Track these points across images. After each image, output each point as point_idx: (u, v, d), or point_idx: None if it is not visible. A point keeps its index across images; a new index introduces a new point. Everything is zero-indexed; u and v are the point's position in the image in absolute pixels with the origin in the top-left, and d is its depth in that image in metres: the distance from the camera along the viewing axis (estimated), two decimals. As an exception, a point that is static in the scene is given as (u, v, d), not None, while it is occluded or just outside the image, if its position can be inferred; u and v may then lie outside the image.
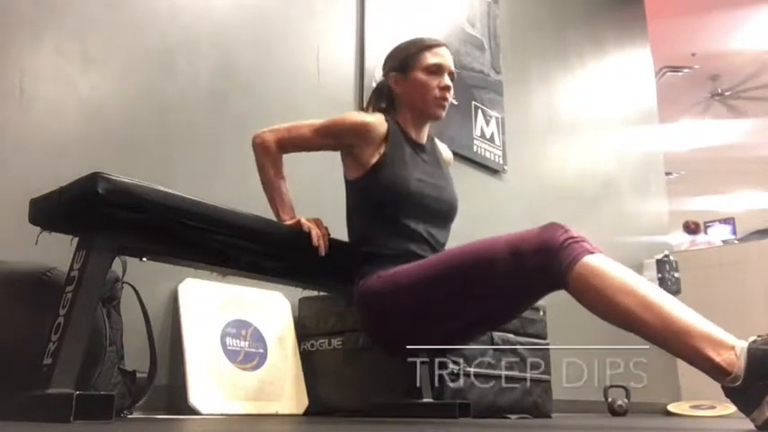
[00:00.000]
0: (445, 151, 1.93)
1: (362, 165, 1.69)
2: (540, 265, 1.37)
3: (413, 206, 1.68)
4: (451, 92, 1.77)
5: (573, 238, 1.37)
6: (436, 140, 1.91)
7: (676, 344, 1.23)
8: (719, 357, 1.18)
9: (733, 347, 1.18)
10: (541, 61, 4.30)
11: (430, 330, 1.59)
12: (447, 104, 1.77)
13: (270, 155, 1.70)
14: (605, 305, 1.31)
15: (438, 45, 1.77)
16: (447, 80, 1.75)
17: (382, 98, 1.83)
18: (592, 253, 1.35)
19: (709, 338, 1.20)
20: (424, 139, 1.81)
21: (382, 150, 1.69)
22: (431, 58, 1.74)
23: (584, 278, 1.33)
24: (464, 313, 1.56)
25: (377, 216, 1.69)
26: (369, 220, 1.71)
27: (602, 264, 1.33)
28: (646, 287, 1.30)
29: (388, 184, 1.67)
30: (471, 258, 1.48)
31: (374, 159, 1.68)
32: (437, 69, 1.74)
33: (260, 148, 1.71)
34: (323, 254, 1.61)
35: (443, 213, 1.76)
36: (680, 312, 1.25)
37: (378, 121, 1.70)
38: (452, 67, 1.77)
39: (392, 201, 1.67)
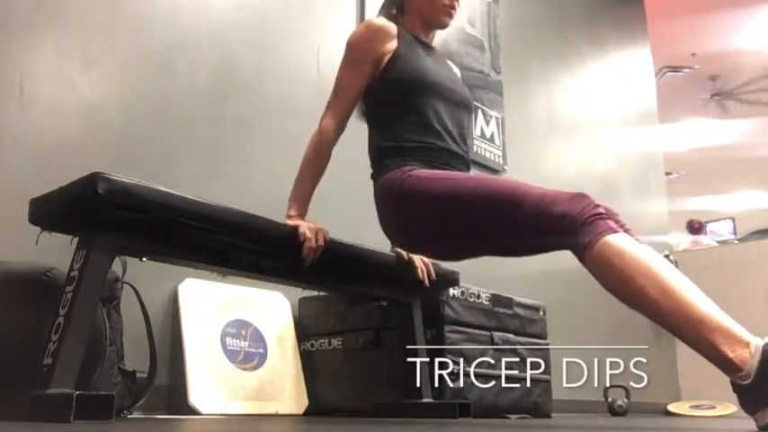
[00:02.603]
0: (453, 66, 1.97)
1: (378, 65, 1.72)
2: (561, 231, 1.36)
3: (431, 93, 1.71)
4: (459, 1, 1.82)
5: (600, 214, 1.35)
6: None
7: (691, 333, 1.22)
8: (733, 353, 1.17)
9: (748, 344, 1.17)
10: (541, 61, 4.30)
11: (439, 238, 1.63)
12: (454, 13, 1.82)
13: (323, 149, 1.70)
14: (623, 286, 1.30)
15: None
16: None
17: (393, 4, 1.87)
18: (616, 232, 1.33)
19: (725, 332, 1.19)
20: (432, 43, 1.87)
21: (394, 46, 1.72)
22: None
23: (604, 256, 1.31)
24: (476, 238, 1.57)
25: (396, 108, 1.71)
26: (389, 114, 1.72)
27: (624, 244, 1.31)
28: (667, 272, 1.28)
29: (406, 74, 1.70)
30: (500, 197, 1.48)
31: (387, 57, 1.71)
32: None
33: (317, 139, 1.70)
34: (306, 266, 1.60)
35: (461, 102, 1.79)
36: (698, 301, 1.23)
37: (385, 21, 1.77)
38: None
39: (411, 89, 1.70)
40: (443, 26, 1.85)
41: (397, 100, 1.70)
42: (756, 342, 1.17)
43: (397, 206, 1.65)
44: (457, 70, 1.97)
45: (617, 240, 1.32)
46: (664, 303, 1.24)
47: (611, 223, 1.35)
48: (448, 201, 1.55)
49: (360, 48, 1.73)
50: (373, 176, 1.73)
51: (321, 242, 1.60)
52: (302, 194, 1.68)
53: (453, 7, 1.81)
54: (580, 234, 1.34)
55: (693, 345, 1.23)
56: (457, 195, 1.54)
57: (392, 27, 1.75)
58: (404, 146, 1.67)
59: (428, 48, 1.83)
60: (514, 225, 1.45)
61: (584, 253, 1.33)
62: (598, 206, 1.37)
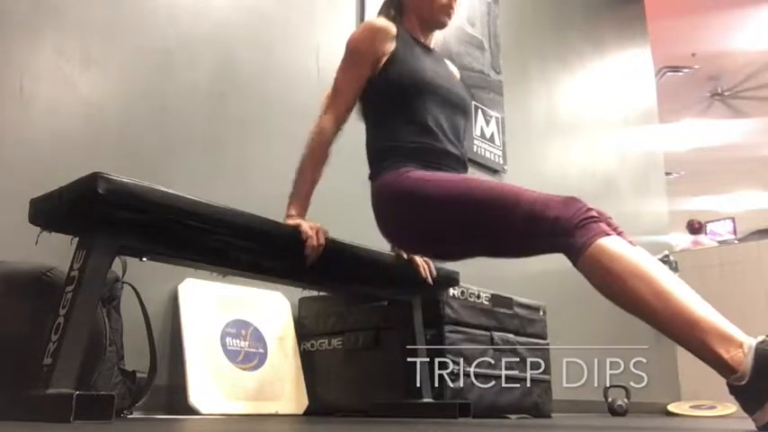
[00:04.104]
0: (452, 66, 1.97)
1: (376, 66, 1.72)
2: (555, 234, 1.37)
3: (428, 94, 1.71)
4: (458, 0, 1.83)
5: (593, 217, 1.36)
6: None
7: (685, 335, 1.22)
8: (728, 354, 1.17)
9: (741, 345, 1.17)
10: (541, 61, 4.30)
11: (434, 239, 1.64)
12: (453, 12, 1.83)
13: (322, 148, 1.69)
14: (616, 288, 1.30)
15: None
16: None
17: (391, 5, 1.88)
18: (609, 235, 1.33)
19: (719, 333, 1.19)
20: (430, 44, 1.88)
21: (393, 47, 1.73)
22: None
23: (596, 259, 1.31)
24: (471, 239, 1.58)
25: (394, 109, 1.72)
26: (386, 115, 1.73)
27: (617, 247, 1.31)
28: (660, 274, 1.28)
29: (403, 75, 1.71)
30: (494, 200, 1.48)
31: (386, 57, 1.72)
32: None
33: (316, 138, 1.69)
34: (308, 265, 1.61)
35: (459, 104, 1.79)
36: (692, 303, 1.23)
37: (385, 22, 1.76)
38: None
39: (408, 90, 1.70)
40: (442, 26, 1.86)
41: (394, 101, 1.71)
42: (749, 342, 1.17)
43: (393, 207, 1.66)
44: (456, 71, 1.97)
45: (610, 243, 1.32)
46: (658, 305, 1.24)
47: (604, 226, 1.35)
48: (444, 202, 1.56)
49: (359, 50, 1.73)
50: (371, 177, 1.74)
51: (322, 241, 1.61)
52: (302, 194, 1.68)
53: (452, 6, 1.82)
54: (573, 237, 1.34)
55: (688, 346, 1.23)
56: (452, 197, 1.55)
57: (391, 28, 1.75)
58: (401, 146, 1.68)
59: (426, 49, 1.83)
60: (508, 227, 1.46)
61: (577, 256, 1.34)
62: (590, 209, 1.38)
